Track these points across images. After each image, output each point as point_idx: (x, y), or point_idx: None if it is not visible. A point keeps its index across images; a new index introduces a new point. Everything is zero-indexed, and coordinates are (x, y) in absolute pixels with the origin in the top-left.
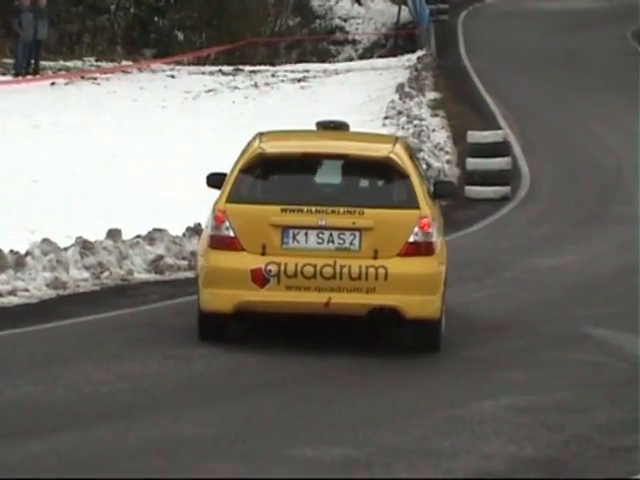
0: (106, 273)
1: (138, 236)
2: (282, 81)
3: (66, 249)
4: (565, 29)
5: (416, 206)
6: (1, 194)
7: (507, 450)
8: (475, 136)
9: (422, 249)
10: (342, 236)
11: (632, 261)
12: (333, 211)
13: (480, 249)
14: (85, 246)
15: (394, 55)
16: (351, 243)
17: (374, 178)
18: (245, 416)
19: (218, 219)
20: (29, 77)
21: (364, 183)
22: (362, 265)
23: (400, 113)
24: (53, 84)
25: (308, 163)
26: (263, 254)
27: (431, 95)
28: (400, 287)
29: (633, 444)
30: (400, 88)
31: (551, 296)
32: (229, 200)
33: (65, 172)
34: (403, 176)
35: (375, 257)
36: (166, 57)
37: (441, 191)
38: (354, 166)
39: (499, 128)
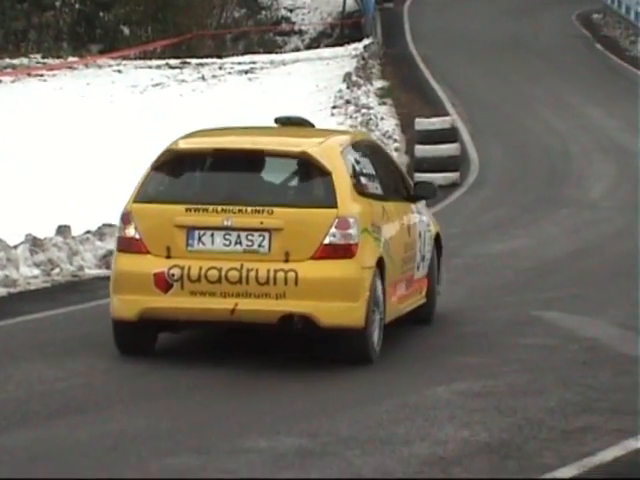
0: (56, 270)
1: (88, 232)
2: (229, 73)
3: (16, 247)
4: (511, 14)
5: (333, 205)
6: None
7: (461, 435)
8: (423, 123)
9: (340, 251)
10: (250, 237)
11: (581, 244)
12: (240, 210)
13: None
14: (35, 243)
15: (341, 44)
16: (260, 245)
17: (290, 175)
18: (198, 409)
19: (124, 220)
20: None
21: (278, 180)
22: (271, 269)
23: (348, 102)
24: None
25: (220, 160)
26: (168, 257)
27: (379, 83)
28: (313, 293)
29: (585, 425)
30: (347, 77)
31: (501, 281)
32: (136, 200)
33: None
34: (323, 173)
35: (286, 260)
36: (112, 52)
37: (420, 192)
38: (269, 163)
39: (447, 115)
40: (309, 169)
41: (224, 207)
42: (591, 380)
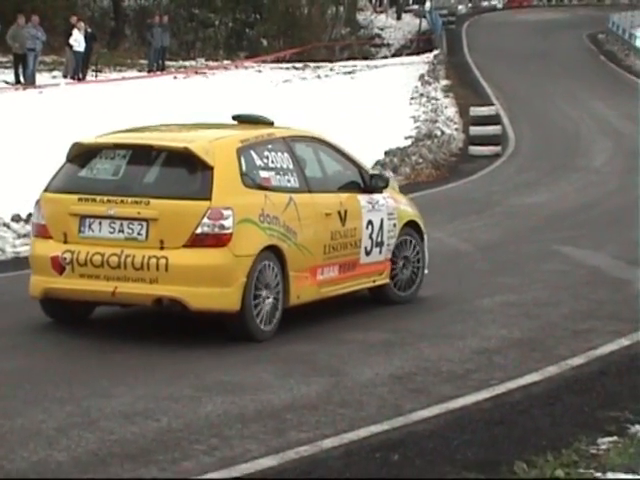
0: None
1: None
2: (337, 74)
3: None
4: (539, 34)
5: (207, 197)
6: None
7: (500, 333)
8: (476, 111)
9: (211, 240)
10: (131, 226)
11: (588, 199)
12: (122, 201)
13: (479, 191)
14: None
15: (417, 54)
16: (138, 233)
17: (171, 168)
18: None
19: (36, 207)
20: (158, 73)
21: (160, 173)
22: (145, 255)
23: (422, 95)
24: (175, 78)
25: (117, 154)
26: (65, 242)
27: (444, 82)
28: (182, 278)
29: (590, 328)
30: (421, 77)
31: (530, 224)
32: (45, 189)
33: None
34: (205, 167)
35: (162, 247)
36: (255, 57)
37: (374, 184)
38: (156, 157)
39: (492, 105)
40: (192, 164)
41: (109, 197)
42: (594, 295)
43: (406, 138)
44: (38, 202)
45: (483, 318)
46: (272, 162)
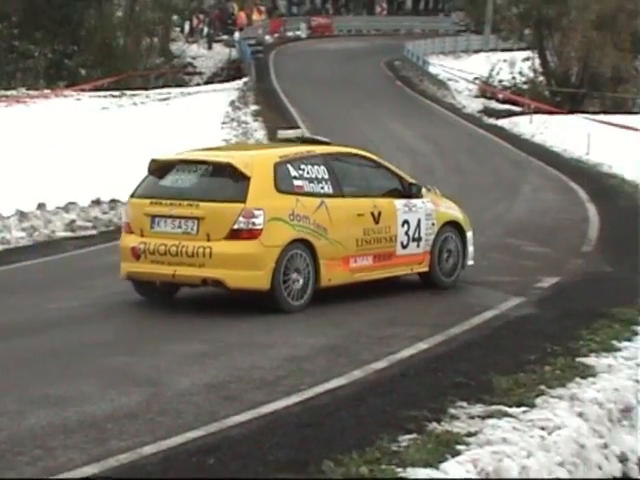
0: (36, 233)
1: (58, 207)
2: (153, 101)
3: (8, 217)
4: (341, 61)
5: (243, 200)
6: None
7: (308, 341)
8: (283, 134)
9: (245, 234)
10: (186, 223)
11: None
12: (180, 204)
13: None
14: (21, 215)
15: (228, 81)
16: (191, 228)
17: (218, 178)
18: (142, 326)
19: (124, 210)
20: None
21: (209, 182)
22: (196, 245)
23: (233, 120)
24: None
25: (181, 168)
26: (141, 236)
27: (253, 107)
28: (223, 263)
29: (391, 334)
30: (232, 103)
31: None
32: (130, 196)
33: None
34: (243, 177)
35: (208, 239)
36: (74, 86)
37: (410, 191)
38: (208, 169)
39: (299, 128)
40: (232, 174)
41: (171, 201)
42: (394, 303)
43: None
44: (127, 205)
45: (292, 327)
46: (307, 173)
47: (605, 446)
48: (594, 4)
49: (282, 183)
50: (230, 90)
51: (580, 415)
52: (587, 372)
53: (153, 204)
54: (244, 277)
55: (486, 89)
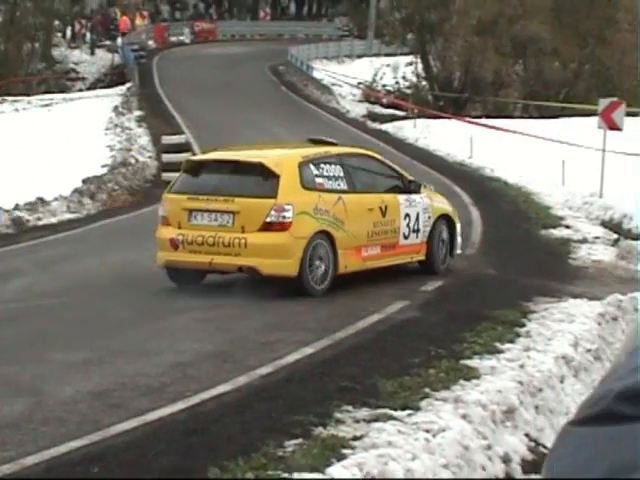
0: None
1: None
2: (35, 107)
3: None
4: (225, 66)
5: (274, 196)
6: None
7: (194, 347)
8: (167, 139)
9: (276, 226)
10: (222, 216)
11: None
12: (216, 199)
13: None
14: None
15: (111, 87)
16: (227, 221)
17: (250, 176)
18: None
19: (161, 204)
20: None
21: (243, 179)
22: (232, 236)
23: (116, 125)
24: None
25: (214, 166)
26: (179, 228)
27: (137, 113)
28: (257, 252)
29: (277, 339)
30: (116, 109)
31: None
32: (167, 191)
33: None
34: (273, 175)
35: (243, 231)
36: None
37: (410, 188)
38: (241, 168)
39: (183, 133)
40: (263, 173)
41: (208, 197)
42: (280, 308)
43: (102, 166)
44: (162, 201)
45: (178, 334)
46: (326, 172)
47: (489, 447)
48: (475, 9)
49: (306, 181)
50: (113, 96)
51: (464, 417)
52: (471, 374)
53: (190, 199)
54: (276, 265)
55: (370, 94)
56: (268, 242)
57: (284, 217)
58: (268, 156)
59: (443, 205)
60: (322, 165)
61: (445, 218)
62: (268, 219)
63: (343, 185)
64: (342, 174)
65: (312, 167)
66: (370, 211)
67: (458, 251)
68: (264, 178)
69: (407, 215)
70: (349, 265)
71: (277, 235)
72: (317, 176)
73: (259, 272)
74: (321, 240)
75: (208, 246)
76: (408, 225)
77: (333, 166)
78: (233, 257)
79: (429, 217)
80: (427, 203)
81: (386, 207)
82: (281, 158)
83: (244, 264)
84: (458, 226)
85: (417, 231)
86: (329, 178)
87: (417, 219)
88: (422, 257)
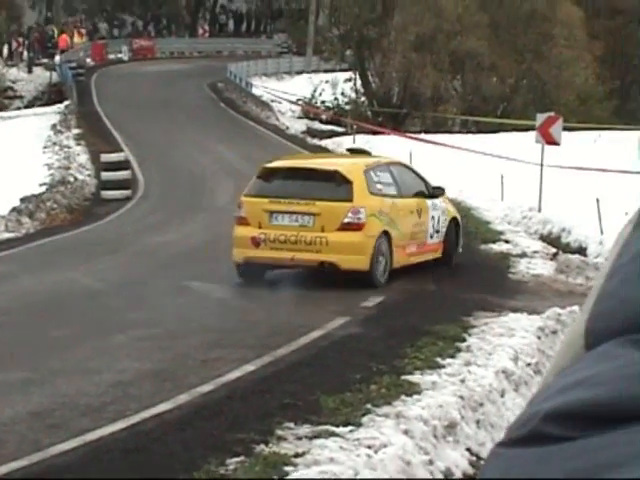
0: None
1: None
2: None
3: None
4: (165, 84)
5: (350, 200)
6: None
7: (134, 366)
8: (106, 157)
9: (353, 226)
10: (302, 218)
11: (213, 236)
12: (298, 203)
13: (112, 233)
14: None
15: (49, 105)
16: (308, 222)
17: (327, 182)
18: None
19: (239, 206)
20: None
21: (320, 185)
22: (313, 235)
23: (55, 144)
24: None
25: (291, 173)
26: (259, 227)
27: (75, 131)
28: (336, 249)
29: (218, 356)
30: (54, 127)
31: (161, 262)
32: (245, 195)
33: None
34: (347, 182)
35: (322, 231)
36: None
37: (434, 193)
38: (317, 175)
39: (122, 151)
40: (338, 179)
41: (289, 200)
42: (221, 326)
43: (41, 185)
44: (240, 203)
45: (118, 353)
46: (382, 178)
47: (430, 462)
48: (413, 25)
49: (371, 186)
50: (51, 114)
51: (406, 432)
52: (412, 389)
53: (272, 202)
54: (352, 260)
55: (309, 110)
56: (346, 240)
57: (359, 218)
58: (339, 164)
59: (453, 209)
60: (378, 172)
61: (454, 220)
62: (346, 220)
63: (393, 190)
64: (391, 180)
65: (372, 174)
66: (411, 213)
67: (460, 249)
68: (338, 184)
69: (433, 217)
70: (400, 261)
71: (354, 234)
72: (376, 182)
73: (338, 267)
74: (383, 239)
75: (290, 244)
76: (433, 226)
77: (385, 173)
78: (314, 254)
79: (445, 219)
80: (444, 207)
81: (420, 210)
82: (350, 166)
83: (325, 259)
84: (461, 225)
85: (438, 232)
86: (384, 184)
87: (439, 221)
88: (439, 255)
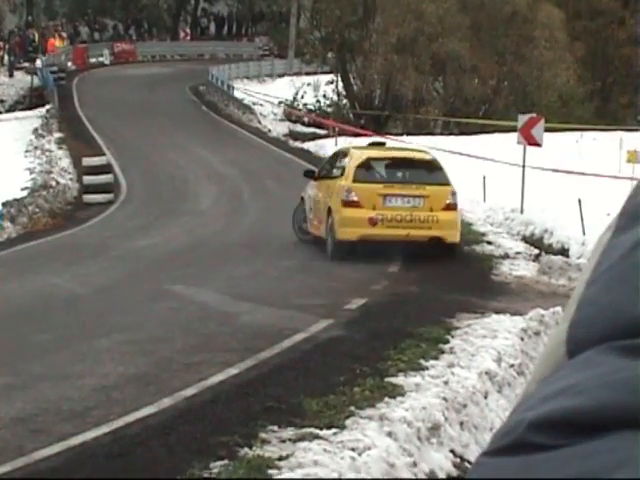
0: None
1: None
2: None
3: None
4: (146, 87)
5: (449, 184)
6: None
7: (117, 370)
8: (88, 161)
9: (452, 207)
10: (414, 200)
11: (195, 240)
12: (410, 187)
13: (95, 237)
14: None
15: (31, 109)
16: (418, 203)
17: (426, 170)
18: None
19: (347, 191)
20: None
21: (422, 172)
22: (425, 214)
23: (36, 148)
24: None
25: (392, 162)
26: (374, 209)
27: (57, 135)
28: (443, 226)
29: (201, 360)
30: (35, 131)
31: (143, 266)
32: (352, 180)
33: None
34: (440, 169)
35: (431, 211)
36: None
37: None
38: (416, 163)
39: (104, 155)
40: (435, 167)
41: (402, 185)
42: (204, 330)
43: (22, 189)
44: (349, 188)
45: (101, 357)
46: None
47: (414, 464)
48: (394, 28)
49: None
50: (33, 118)
51: (389, 435)
52: (395, 392)
53: (386, 187)
54: (453, 235)
55: (291, 112)
56: (450, 218)
57: (455, 199)
58: (429, 155)
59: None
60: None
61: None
62: (448, 201)
63: None
64: None
65: None
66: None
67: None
68: (435, 171)
69: None
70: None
71: (453, 213)
72: None
73: (444, 240)
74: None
75: (406, 222)
76: None
77: None
78: (426, 230)
79: None
80: None
81: None
82: (434, 157)
83: (434, 234)
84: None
85: None
86: None
87: None
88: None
